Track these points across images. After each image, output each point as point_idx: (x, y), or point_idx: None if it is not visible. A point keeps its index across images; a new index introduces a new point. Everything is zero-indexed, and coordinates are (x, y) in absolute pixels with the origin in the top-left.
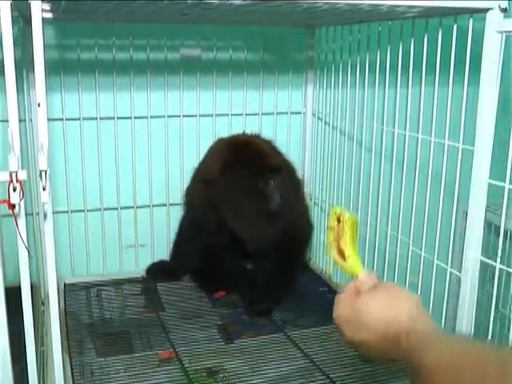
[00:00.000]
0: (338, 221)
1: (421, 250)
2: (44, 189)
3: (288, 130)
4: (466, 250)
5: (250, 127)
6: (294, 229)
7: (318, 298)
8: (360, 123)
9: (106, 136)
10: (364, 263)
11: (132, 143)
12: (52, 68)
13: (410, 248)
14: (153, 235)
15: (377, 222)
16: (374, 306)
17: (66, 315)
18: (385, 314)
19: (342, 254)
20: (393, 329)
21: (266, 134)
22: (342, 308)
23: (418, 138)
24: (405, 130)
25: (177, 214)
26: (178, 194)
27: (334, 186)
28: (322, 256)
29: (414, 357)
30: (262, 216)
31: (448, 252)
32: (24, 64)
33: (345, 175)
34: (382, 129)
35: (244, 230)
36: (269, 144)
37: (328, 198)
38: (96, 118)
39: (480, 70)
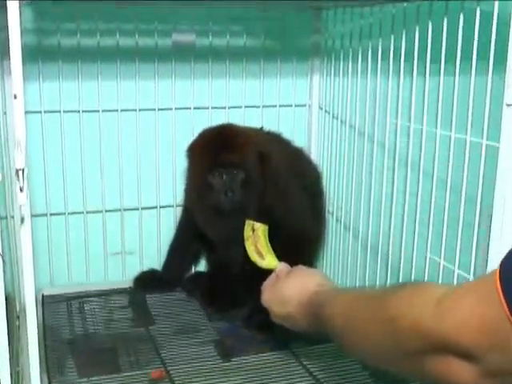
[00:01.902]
0: (253, 231)
1: (440, 257)
2: (21, 190)
3: (292, 125)
4: (490, 258)
5: (250, 121)
6: (293, 231)
7: None
8: (372, 117)
9: (90, 131)
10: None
11: (118, 139)
12: (30, 55)
13: (428, 256)
14: (142, 241)
15: (390, 229)
16: (290, 283)
17: (45, 330)
18: (298, 287)
19: (260, 254)
20: (305, 296)
21: (267, 128)
22: (268, 292)
23: (436, 133)
24: (421, 124)
25: (168, 217)
26: (169, 195)
27: (343, 187)
28: (331, 265)
29: (320, 313)
30: (214, 214)
31: (470, 260)
32: None
33: (355, 175)
34: (396, 123)
35: (203, 229)
36: (267, 138)
37: (336, 200)
38: (78, 111)
39: (506, 58)
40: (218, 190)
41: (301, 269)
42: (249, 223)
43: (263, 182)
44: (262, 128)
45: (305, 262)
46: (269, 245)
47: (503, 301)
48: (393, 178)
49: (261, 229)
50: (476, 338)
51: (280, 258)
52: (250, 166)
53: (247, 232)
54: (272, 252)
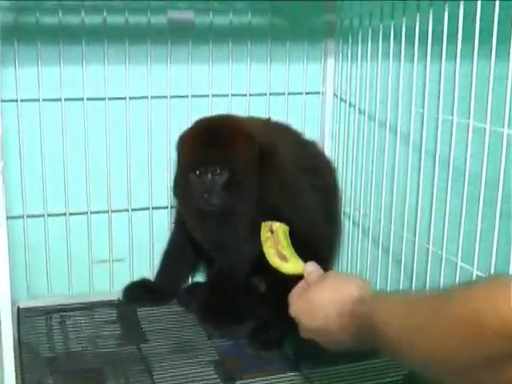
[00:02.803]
0: (271, 232)
1: (472, 266)
2: None
3: (303, 115)
4: None
5: (255, 111)
6: (302, 236)
7: None
8: (394, 106)
9: (73, 122)
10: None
11: (106, 131)
12: (3, 35)
13: (458, 263)
14: (132, 247)
15: (415, 233)
16: (323, 291)
17: (21, 348)
18: (335, 297)
19: (282, 257)
20: (347, 305)
21: (275, 119)
22: (296, 301)
23: (468, 125)
24: (451, 115)
25: (162, 220)
26: (163, 194)
27: (361, 185)
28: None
29: (368, 322)
30: (199, 216)
31: (490, 262)
32: None
33: (374, 171)
34: (422, 113)
35: (192, 233)
36: (272, 130)
37: (352, 200)
38: (60, 100)
39: None
40: (196, 190)
41: (338, 274)
42: (265, 225)
43: (264, 180)
44: (269, 119)
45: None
46: (291, 246)
47: None
48: (418, 176)
49: (281, 229)
50: None
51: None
52: (239, 165)
53: (264, 234)
54: (295, 254)
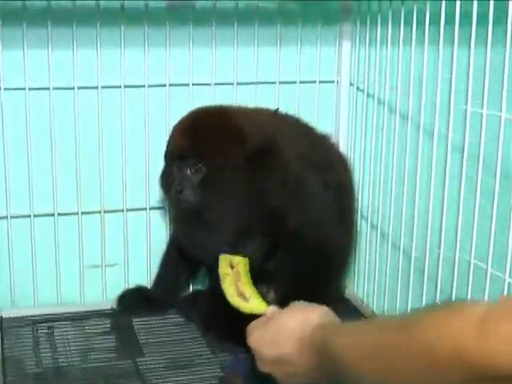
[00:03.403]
0: (231, 267)
1: (504, 274)
2: None
3: (315, 106)
4: None
5: (263, 101)
6: (311, 242)
7: None
8: (417, 96)
9: (62, 113)
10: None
11: (98, 123)
12: None
13: (488, 270)
14: (127, 250)
15: (440, 239)
16: (286, 319)
17: (4, 362)
18: (296, 324)
19: (243, 296)
20: (308, 329)
21: (285, 110)
22: (256, 330)
23: (500, 118)
24: (481, 107)
25: (160, 221)
26: (162, 193)
27: (380, 184)
28: (365, 283)
29: (324, 348)
30: (180, 214)
31: None
32: None
33: (395, 169)
34: (448, 104)
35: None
36: (277, 123)
37: (370, 201)
38: (48, 88)
39: None
40: (174, 184)
41: (300, 303)
42: (225, 258)
43: (264, 179)
44: (277, 110)
45: (329, 279)
46: (251, 283)
47: None
48: (444, 175)
49: (242, 264)
50: None
51: (294, 280)
52: (219, 162)
53: (223, 269)
54: (257, 293)
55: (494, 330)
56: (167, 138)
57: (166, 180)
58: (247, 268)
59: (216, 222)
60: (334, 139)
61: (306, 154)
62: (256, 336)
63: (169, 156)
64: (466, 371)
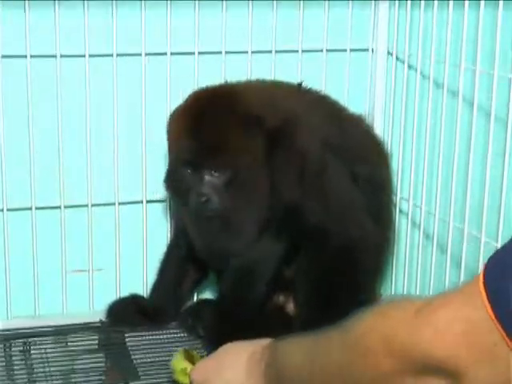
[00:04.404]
0: (192, 362)
1: None
2: None
3: (345, 79)
4: None
5: (282, 74)
6: (337, 243)
7: None
8: (470, 70)
9: (43, 86)
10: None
11: (86, 99)
12: None
13: None
14: (118, 252)
15: (497, 237)
16: (232, 346)
17: None
18: (244, 348)
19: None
20: (257, 348)
21: (309, 85)
22: (200, 366)
23: None
24: None
25: (159, 217)
26: (160, 184)
27: (423, 174)
28: (405, 289)
29: (275, 362)
30: (195, 217)
31: None
32: None
33: (442, 156)
34: (510, 79)
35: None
36: (298, 103)
37: (411, 194)
38: (25, 56)
39: None
40: (192, 191)
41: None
42: (183, 352)
43: (278, 170)
44: (300, 85)
45: (359, 288)
46: None
47: (486, 303)
48: (503, 162)
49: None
50: (457, 349)
51: (317, 289)
52: (243, 159)
53: (179, 363)
54: None
55: (427, 318)
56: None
57: (178, 186)
58: None
59: (243, 223)
60: (368, 121)
61: (332, 140)
62: (201, 368)
63: (178, 161)
64: (397, 360)
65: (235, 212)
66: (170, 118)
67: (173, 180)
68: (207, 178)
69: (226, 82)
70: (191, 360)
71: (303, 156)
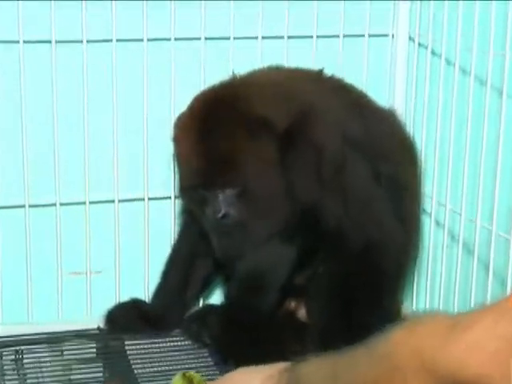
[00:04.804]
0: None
1: None
2: None
3: (362, 67)
4: None
5: (295, 62)
6: (357, 247)
7: None
8: (500, 56)
9: (36, 73)
10: None
11: (84, 87)
12: None
13: None
14: (118, 253)
15: None
16: (245, 372)
17: None
18: (257, 373)
19: None
20: (274, 373)
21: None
22: None
23: None
24: None
25: (163, 215)
26: (165, 180)
27: (448, 169)
28: (432, 297)
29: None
30: (219, 228)
31: None
32: None
33: (468, 150)
34: None
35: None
36: (317, 93)
37: (436, 190)
38: (18, 42)
39: None
40: (206, 204)
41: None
42: (183, 376)
43: (292, 171)
44: (321, 72)
45: (380, 295)
46: None
47: None
48: None
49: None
50: (490, 368)
51: (334, 296)
52: (253, 171)
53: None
54: None
55: (459, 334)
56: (172, 111)
57: (192, 199)
58: None
59: (261, 230)
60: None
61: (354, 135)
62: None
63: (188, 184)
64: (426, 377)
65: (253, 220)
66: (174, 128)
67: (186, 195)
68: (221, 196)
69: (234, 74)
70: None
71: (320, 153)
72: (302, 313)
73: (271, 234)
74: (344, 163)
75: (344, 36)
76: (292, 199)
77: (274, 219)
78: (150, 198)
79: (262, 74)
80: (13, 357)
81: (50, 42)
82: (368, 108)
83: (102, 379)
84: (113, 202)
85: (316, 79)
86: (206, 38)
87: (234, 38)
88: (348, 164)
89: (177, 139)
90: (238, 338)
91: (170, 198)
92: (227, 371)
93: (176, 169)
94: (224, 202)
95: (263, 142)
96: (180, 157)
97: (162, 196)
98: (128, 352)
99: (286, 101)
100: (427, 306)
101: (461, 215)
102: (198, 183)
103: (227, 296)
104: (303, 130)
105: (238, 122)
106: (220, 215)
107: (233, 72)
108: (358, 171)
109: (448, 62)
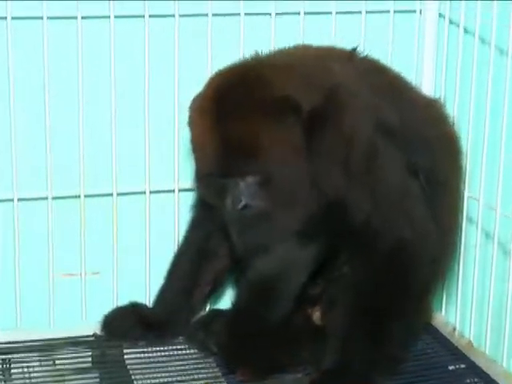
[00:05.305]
0: None
1: None
2: None
3: (389, 45)
4: None
5: (312, 40)
6: (387, 247)
7: (447, 381)
8: None
9: (29, 54)
10: None
11: (79, 71)
12: None
13: None
14: (116, 252)
15: None
16: None
17: None
18: None
19: None
20: None
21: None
22: None
23: None
24: None
25: (167, 211)
26: (168, 172)
27: (482, 161)
28: (455, 303)
29: None
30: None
31: None
32: None
33: (506, 139)
34: None
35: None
36: (349, 76)
37: (468, 186)
38: (5, 18)
39: None
40: (226, 193)
41: None
42: None
43: (318, 160)
44: (354, 51)
45: (409, 300)
46: None
47: None
48: None
49: None
50: None
51: (358, 300)
52: (278, 157)
53: None
54: None
55: None
56: (176, 96)
57: (209, 190)
58: None
59: (285, 222)
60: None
61: (387, 122)
62: None
63: (205, 172)
64: None
65: (276, 212)
66: (189, 110)
67: (202, 185)
68: (241, 184)
69: (257, 53)
70: None
71: (349, 140)
72: (316, 315)
73: (296, 227)
74: (375, 153)
75: (366, 12)
76: (317, 190)
77: (299, 211)
78: (151, 192)
79: (287, 53)
80: (0, 367)
81: (41, 18)
82: (405, 94)
83: None
84: (111, 195)
85: (347, 59)
86: (213, 15)
87: (245, 14)
88: (380, 154)
89: (192, 123)
90: (247, 346)
91: (173, 191)
92: (236, 383)
93: (191, 156)
94: (245, 192)
95: (287, 124)
96: (195, 142)
97: (165, 189)
98: (127, 361)
99: (311, 81)
100: (458, 315)
101: (496, 211)
102: (216, 171)
103: (236, 301)
104: (330, 114)
105: (258, 103)
106: (240, 206)
107: (256, 52)
108: (391, 162)
109: (482, 41)
